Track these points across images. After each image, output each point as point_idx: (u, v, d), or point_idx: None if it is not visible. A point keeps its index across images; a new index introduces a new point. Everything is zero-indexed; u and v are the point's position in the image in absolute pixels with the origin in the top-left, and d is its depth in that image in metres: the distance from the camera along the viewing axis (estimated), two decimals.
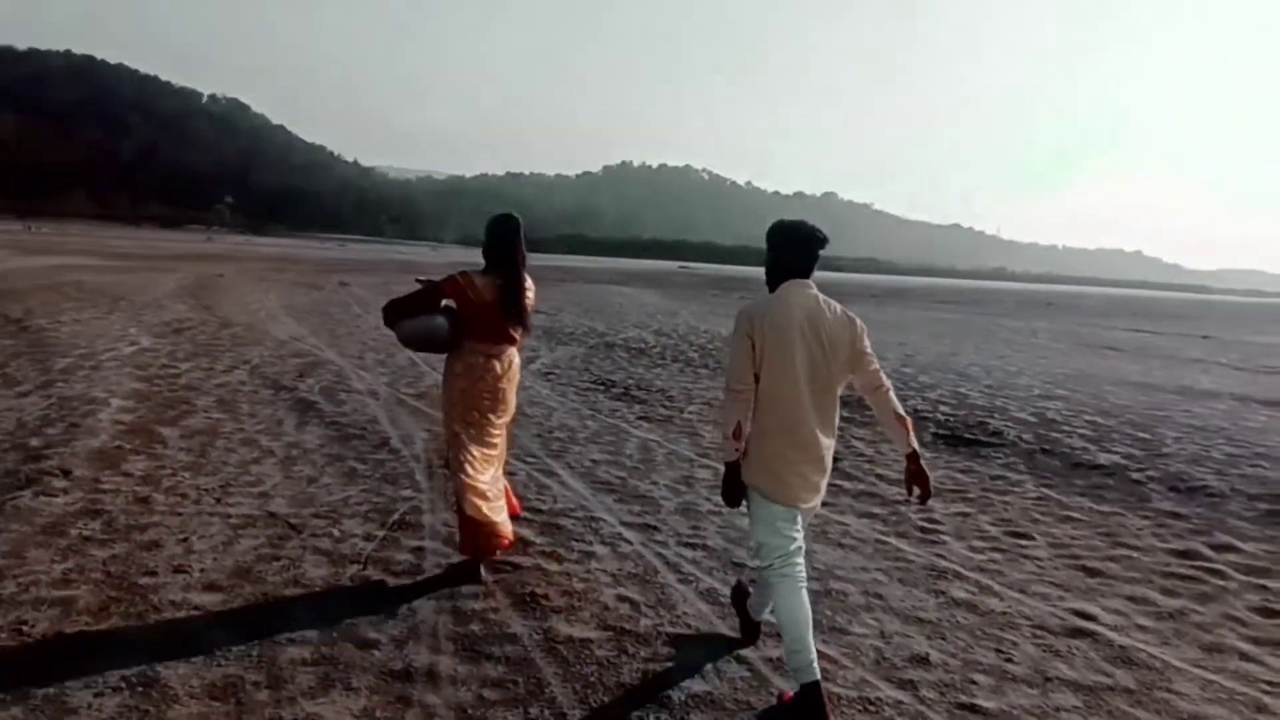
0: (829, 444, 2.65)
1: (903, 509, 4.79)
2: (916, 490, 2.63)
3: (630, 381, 8.98)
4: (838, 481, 5.17)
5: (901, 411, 2.67)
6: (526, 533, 4.00)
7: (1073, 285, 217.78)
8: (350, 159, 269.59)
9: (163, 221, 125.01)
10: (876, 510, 4.81)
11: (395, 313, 3.43)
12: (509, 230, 3.49)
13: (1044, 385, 10.36)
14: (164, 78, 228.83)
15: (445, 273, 3.51)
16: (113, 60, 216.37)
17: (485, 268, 3.48)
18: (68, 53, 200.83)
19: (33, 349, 8.46)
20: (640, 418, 7.04)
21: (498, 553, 3.53)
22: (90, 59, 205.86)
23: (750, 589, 3.09)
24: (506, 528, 3.47)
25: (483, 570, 3.43)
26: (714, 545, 4.05)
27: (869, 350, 2.67)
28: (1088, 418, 8.09)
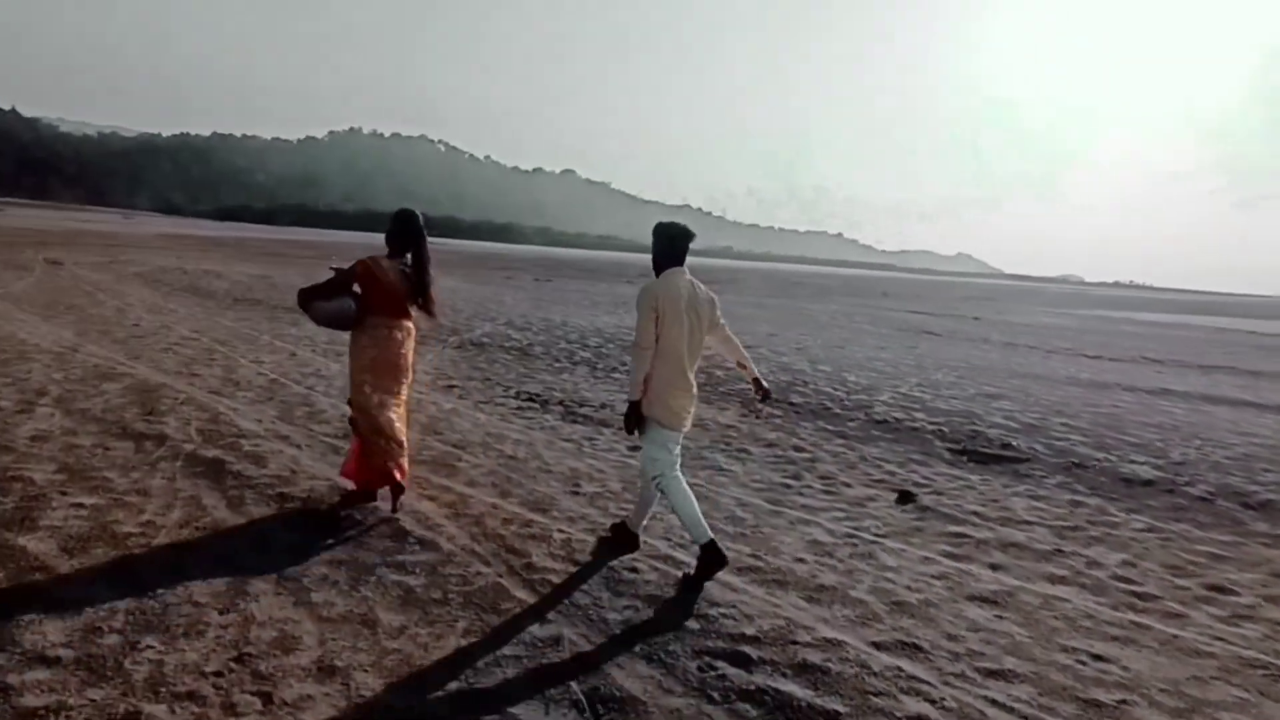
0: (694, 383, 3.63)
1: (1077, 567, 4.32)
2: (761, 397, 3.86)
3: (555, 395, 7.75)
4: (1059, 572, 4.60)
5: (744, 357, 3.87)
6: None
7: (794, 264, 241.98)
8: (6, 106, 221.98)
9: None
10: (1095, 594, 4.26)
11: (311, 297, 3.98)
12: (414, 223, 4.13)
13: (975, 384, 10.26)
14: None
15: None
16: None
17: (389, 253, 4.13)
18: None
19: None
20: (591, 439, 5.97)
21: (403, 486, 4.12)
22: None
23: (625, 520, 4.00)
24: (403, 465, 4.12)
25: (380, 498, 4.19)
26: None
27: (721, 318, 3.76)
28: (1062, 420, 7.95)
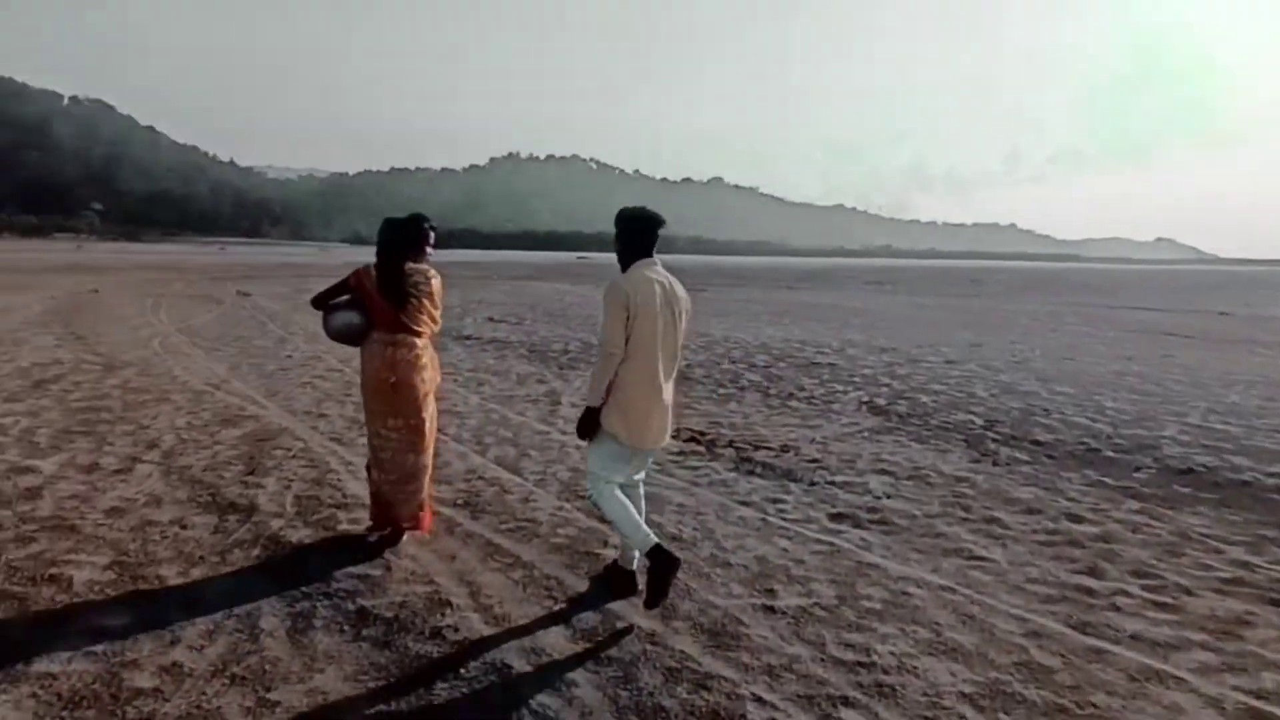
0: (670, 393, 3.17)
1: None
2: None
3: (723, 433, 6.35)
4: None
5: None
6: None
7: (965, 260, 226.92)
8: (226, 159, 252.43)
9: (25, 231, 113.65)
10: None
11: (318, 305, 3.76)
12: (385, 228, 3.70)
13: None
14: (20, 79, 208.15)
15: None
16: None
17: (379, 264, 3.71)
18: None
19: None
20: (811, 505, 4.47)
21: (404, 532, 3.75)
22: None
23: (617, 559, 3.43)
24: (407, 510, 3.71)
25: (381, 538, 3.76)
26: None
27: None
28: None
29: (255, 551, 3.64)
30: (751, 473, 5.22)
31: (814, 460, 5.56)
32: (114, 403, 6.70)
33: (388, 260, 3.63)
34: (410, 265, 3.68)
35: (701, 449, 5.78)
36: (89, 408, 6.47)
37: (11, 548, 3.56)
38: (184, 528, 3.90)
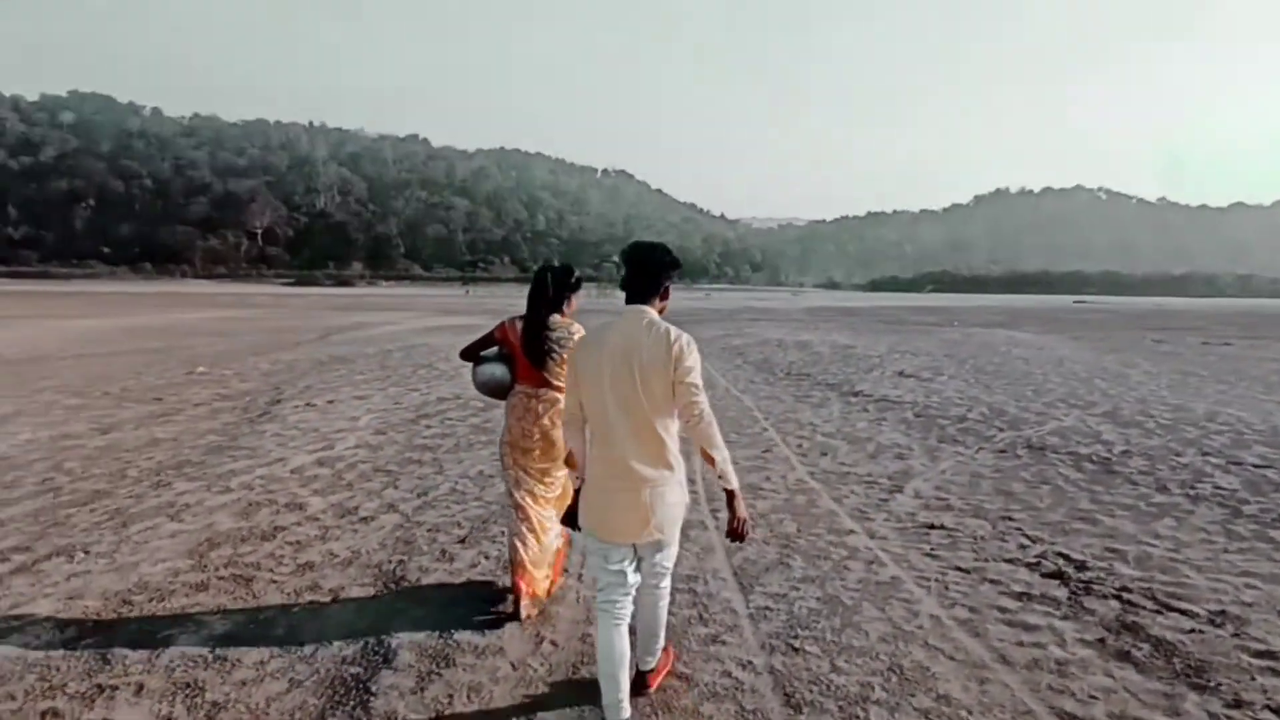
0: (653, 475, 2.50)
1: None
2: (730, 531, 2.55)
3: (1115, 573, 4.26)
4: None
5: (712, 451, 2.49)
6: None
7: None
8: (718, 213, 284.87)
9: None
10: None
11: (467, 356, 3.70)
12: (536, 279, 3.55)
13: None
14: (569, 160, 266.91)
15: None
16: (531, 150, 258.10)
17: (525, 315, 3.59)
18: (500, 149, 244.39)
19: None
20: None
21: (524, 601, 3.48)
22: (517, 151, 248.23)
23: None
24: (535, 583, 3.50)
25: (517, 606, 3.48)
26: None
27: (689, 379, 2.47)
28: None
29: None
30: (1127, 656, 3.26)
31: (1266, 653, 3.29)
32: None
33: (531, 315, 3.51)
34: (555, 319, 3.51)
35: (1059, 592, 3.89)
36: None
37: None
38: None
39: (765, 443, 7.51)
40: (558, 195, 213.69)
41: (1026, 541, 4.71)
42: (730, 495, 2.54)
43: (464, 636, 3.30)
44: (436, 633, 3.33)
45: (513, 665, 3.08)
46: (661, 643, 2.86)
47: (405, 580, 3.92)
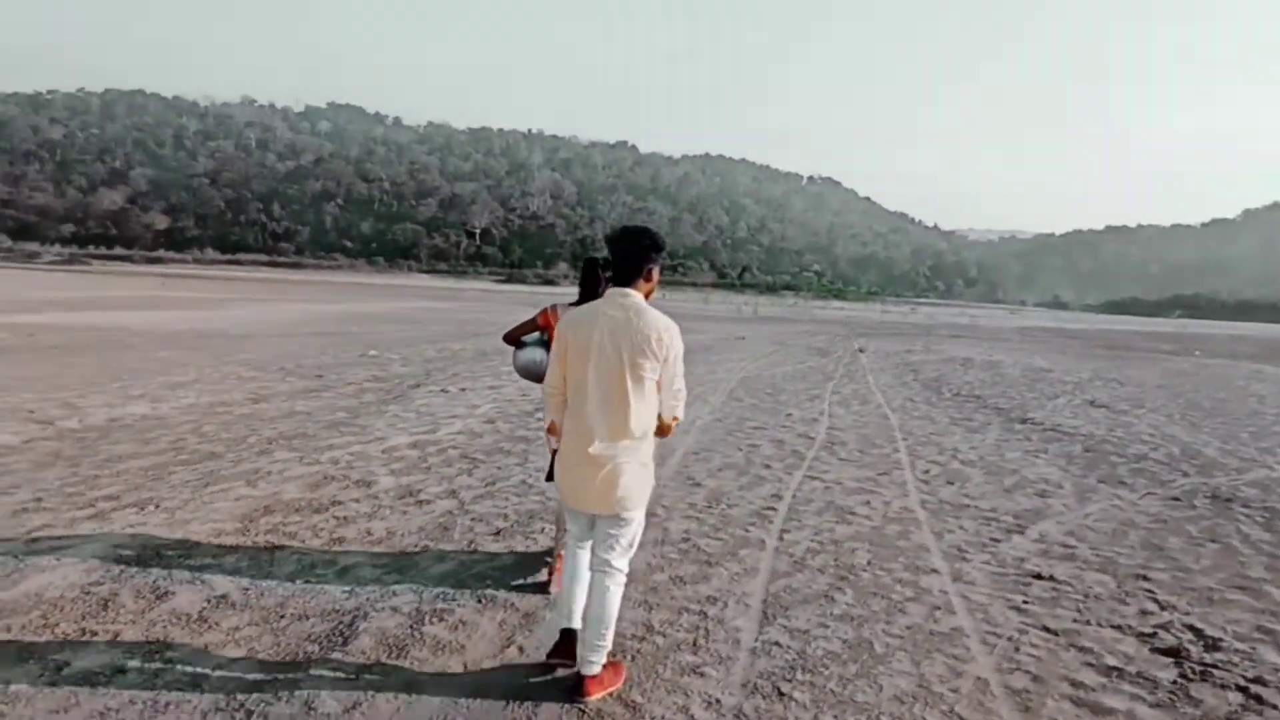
0: (615, 452, 2.63)
1: None
2: None
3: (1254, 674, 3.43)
4: None
5: (668, 421, 2.76)
6: None
7: None
8: (931, 224, 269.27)
9: (762, 289, 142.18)
10: None
11: (510, 341, 3.80)
12: (585, 268, 3.64)
13: None
14: (773, 166, 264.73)
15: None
16: (736, 157, 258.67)
17: (574, 301, 3.65)
18: (705, 155, 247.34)
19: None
20: None
21: (557, 575, 3.57)
22: (721, 157, 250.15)
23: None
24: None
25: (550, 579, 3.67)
26: None
27: (677, 368, 2.68)
28: None
29: None
30: None
31: None
32: None
33: (582, 302, 3.51)
34: None
35: (1164, 673, 3.19)
36: None
37: None
38: None
39: (888, 465, 6.91)
40: (760, 202, 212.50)
41: (1153, 607, 3.93)
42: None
43: (431, 630, 3.25)
44: (409, 624, 3.28)
45: (465, 666, 3.00)
46: (607, 644, 2.74)
47: (416, 567, 3.93)
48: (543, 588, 3.67)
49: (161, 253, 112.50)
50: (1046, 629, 3.61)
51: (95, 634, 3.03)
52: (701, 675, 2.97)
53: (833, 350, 20.76)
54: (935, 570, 4.30)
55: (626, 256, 2.70)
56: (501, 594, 3.62)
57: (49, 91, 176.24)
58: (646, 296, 2.80)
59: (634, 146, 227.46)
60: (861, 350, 21.20)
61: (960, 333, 35.46)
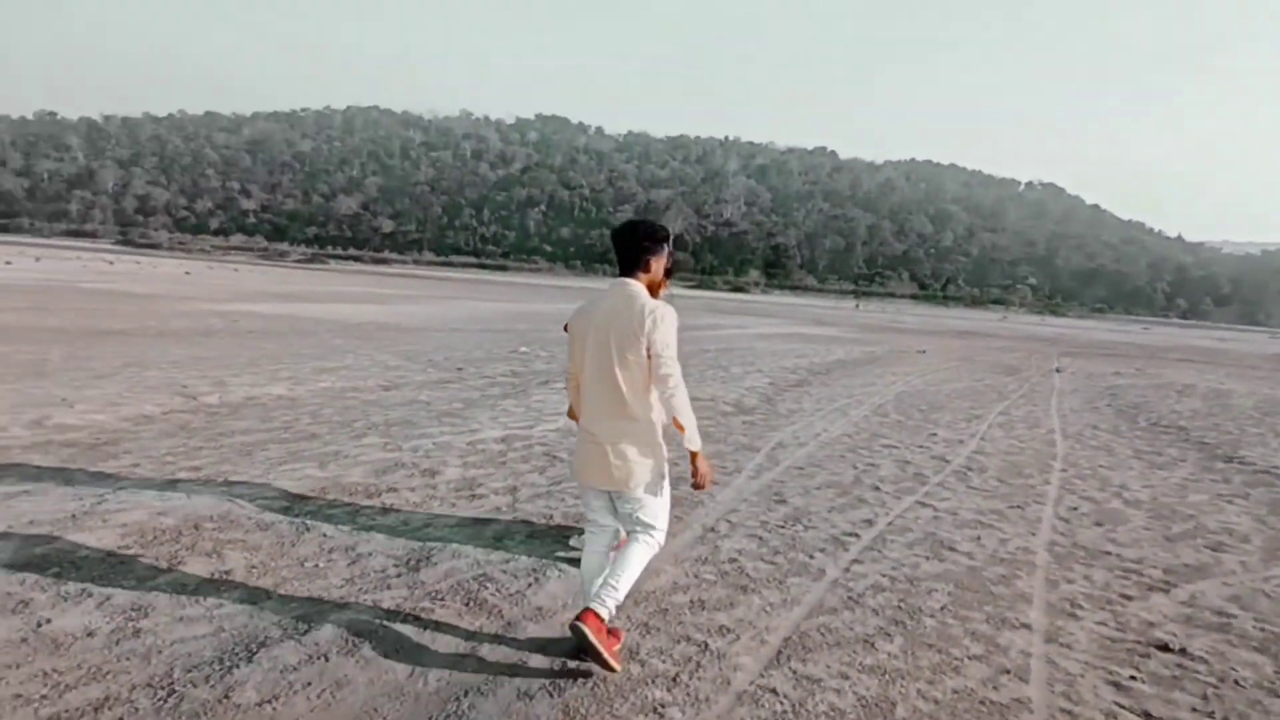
0: (613, 433, 2.77)
1: None
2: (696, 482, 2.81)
3: None
4: None
5: (681, 420, 2.74)
6: None
7: None
8: (1173, 234, 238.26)
9: (968, 302, 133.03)
10: None
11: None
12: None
13: None
14: (986, 171, 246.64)
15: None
16: (944, 162, 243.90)
17: None
18: (910, 160, 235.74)
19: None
20: None
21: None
22: (928, 162, 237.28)
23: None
24: None
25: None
26: None
27: (661, 352, 2.71)
28: None
29: None
30: None
31: None
32: None
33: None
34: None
35: None
36: None
37: None
38: None
39: (1026, 497, 5.98)
40: (969, 209, 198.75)
41: None
42: (693, 456, 2.81)
43: (406, 628, 3.09)
44: (376, 621, 3.15)
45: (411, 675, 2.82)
46: (617, 592, 2.77)
47: (425, 563, 3.75)
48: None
49: (387, 254, 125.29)
50: (1149, 716, 2.86)
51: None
52: (657, 716, 2.56)
53: (1023, 369, 18.75)
54: (1026, 626, 3.57)
55: (624, 249, 2.87)
56: (491, 599, 3.42)
57: (302, 109, 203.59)
58: (653, 287, 2.92)
59: (833, 152, 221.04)
60: (1058, 370, 19.00)
61: (1196, 356, 30.88)
